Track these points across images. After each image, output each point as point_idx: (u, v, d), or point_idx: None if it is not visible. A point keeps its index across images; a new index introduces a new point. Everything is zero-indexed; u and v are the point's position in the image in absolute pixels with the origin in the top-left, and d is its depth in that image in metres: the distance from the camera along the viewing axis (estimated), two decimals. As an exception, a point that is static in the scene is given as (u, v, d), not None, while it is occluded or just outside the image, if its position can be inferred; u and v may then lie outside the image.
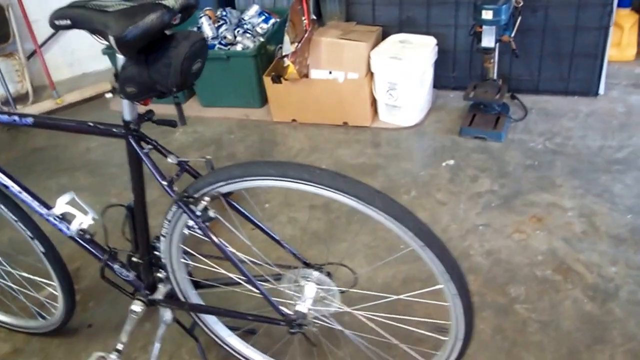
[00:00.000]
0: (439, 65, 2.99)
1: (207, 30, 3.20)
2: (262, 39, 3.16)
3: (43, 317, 1.86)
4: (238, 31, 3.23)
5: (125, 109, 1.26)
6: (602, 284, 1.88)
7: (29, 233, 1.53)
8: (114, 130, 1.31)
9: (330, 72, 2.86)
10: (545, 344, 1.72)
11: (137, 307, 1.49)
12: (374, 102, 2.95)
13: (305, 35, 2.81)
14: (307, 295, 1.32)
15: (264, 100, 3.22)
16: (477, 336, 1.73)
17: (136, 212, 1.38)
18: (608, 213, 2.17)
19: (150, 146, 1.32)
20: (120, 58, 1.16)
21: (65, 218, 1.48)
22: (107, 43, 1.10)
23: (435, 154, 2.68)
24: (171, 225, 1.32)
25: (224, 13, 3.34)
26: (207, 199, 1.22)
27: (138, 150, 1.29)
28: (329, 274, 1.37)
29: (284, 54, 2.83)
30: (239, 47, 3.14)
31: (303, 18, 2.83)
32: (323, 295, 1.35)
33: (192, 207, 1.25)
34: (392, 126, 2.93)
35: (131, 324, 1.55)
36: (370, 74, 2.84)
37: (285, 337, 1.68)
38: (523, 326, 1.78)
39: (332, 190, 1.12)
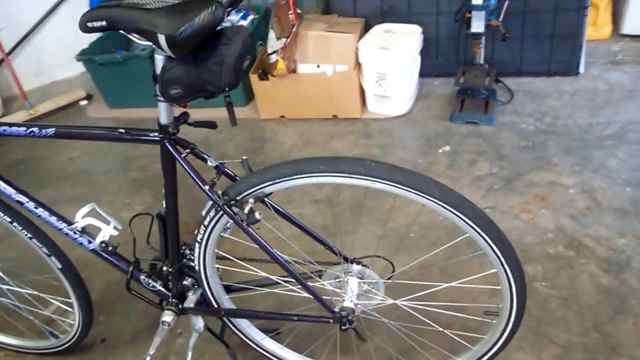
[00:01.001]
0: (422, 53, 3.00)
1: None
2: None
3: (55, 336, 1.79)
4: (217, 29, 3.16)
5: (162, 113, 1.21)
6: (613, 256, 1.94)
7: (45, 250, 1.46)
8: (150, 135, 1.25)
9: (319, 66, 2.84)
10: (568, 319, 1.75)
11: (168, 317, 1.44)
12: (362, 93, 2.94)
13: (293, 30, 2.78)
14: (352, 290, 1.31)
15: (249, 98, 3.17)
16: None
17: (168, 219, 1.33)
18: (607, 187, 2.23)
19: (187, 150, 1.27)
20: (160, 59, 1.10)
21: (86, 231, 1.42)
22: (147, 44, 1.06)
23: (429, 141, 2.70)
24: (207, 230, 1.28)
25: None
26: (251, 200, 1.18)
27: (176, 155, 1.24)
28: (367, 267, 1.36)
29: (269, 50, 2.79)
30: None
31: (289, 12, 2.79)
32: (367, 289, 1.34)
33: (234, 210, 1.21)
34: (382, 116, 2.93)
35: (162, 335, 1.50)
36: (358, 65, 2.83)
37: (320, 335, 1.68)
38: (545, 303, 1.81)
39: (388, 183, 1.10)
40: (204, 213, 1.40)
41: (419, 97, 3.05)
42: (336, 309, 1.31)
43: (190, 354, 1.52)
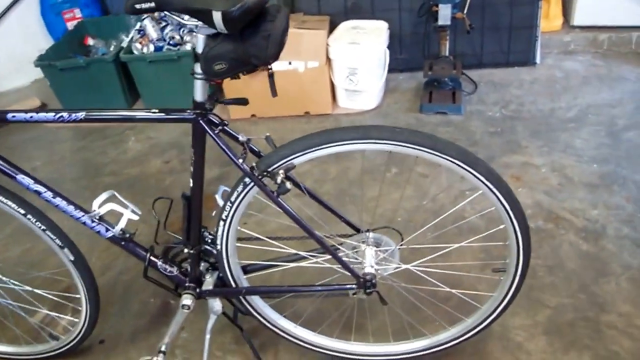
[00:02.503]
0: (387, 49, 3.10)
1: (152, 32, 3.10)
2: (209, 37, 3.11)
3: (55, 338, 1.74)
4: (183, 31, 3.15)
5: (198, 90, 1.23)
6: (589, 225, 2.06)
7: (58, 242, 1.43)
8: (185, 115, 1.26)
9: (290, 63, 2.88)
10: (557, 283, 1.85)
11: (188, 300, 1.44)
12: (332, 89, 3.00)
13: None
14: (372, 257, 1.36)
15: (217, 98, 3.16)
16: (492, 288, 1.85)
17: (194, 199, 1.34)
18: (576, 165, 2.37)
19: (219, 127, 1.28)
20: (202, 38, 1.13)
21: (103, 219, 1.41)
22: (193, 23, 1.08)
23: (402, 132, 2.78)
24: (234, 206, 1.29)
25: (163, 14, 3.25)
26: (281, 172, 1.22)
27: (209, 132, 1.25)
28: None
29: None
30: (188, 47, 3.07)
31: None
32: (383, 257, 1.39)
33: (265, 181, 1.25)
34: (354, 111, 3.00)
35: (180, 321, 1.49)
36: (328, 61, 2.89)
37: (331, 313, 1.72)
38: (533, 272, 1.91)
39: (411, 146, 1.18)
40: (218, 198, 1.42)
41: (387, 92, 3.14)
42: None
43: (208, 336, 1.51)
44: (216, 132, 1.26)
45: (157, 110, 1.28)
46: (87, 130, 3.22)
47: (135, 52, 3.10)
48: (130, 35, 3.23)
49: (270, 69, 1.18)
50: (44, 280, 1.91)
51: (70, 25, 3.62)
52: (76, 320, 1.67)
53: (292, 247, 1.46)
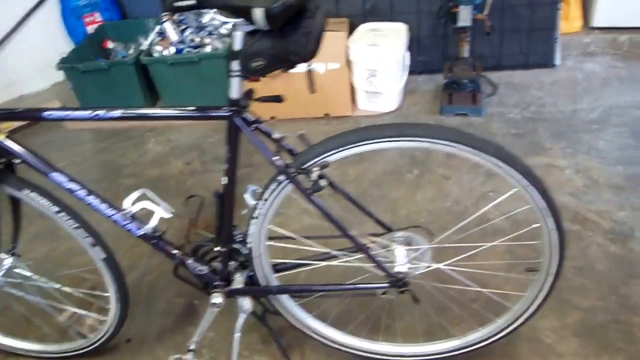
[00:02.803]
0: (405, 51, 3.10)
1: (172, 34, 3.12)
2: (229, 40, 3.13)
3: (83, 336, 1.74)
4: (202, 33, 3.17)
5: (233, 88, 1.23)
6: (617, 227, 2.04)
7: (90, 240, 1.43)
8: (220, 112, 1.26)
9: (310, 65, 2.88)
10: (586, 285, 1.84)
11: (218, 299, 1.44)
12: (352, 91, 3.00)
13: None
14: (403, 256, 1.36)
15: (237, 101, 3.18)
16: (521, 288, 1.83)
17: (226, 197, 1.34)
18: (600, 167, 2.35)
19: (254, 125, 1.28)
20: (239, 35, 1.13)
21: (135, 217, 1.41)
22: (232, 20, 1.09)
23: (423, 133, 2.77)
24: (267, 204, 1.29)
25: (182, 17, 3.27)
26: (316, 169, 1.21)
27: (244, 129, 1.25)
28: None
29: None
30: (208, 49, 3.09)
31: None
32: (415, 256, 1.38)
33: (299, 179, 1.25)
34: (373, 113, 2.99)
35: (210, 319, 1.49)
36: (348, 63, 2.89)
37: (360, 313, 1.71)
38: (562, 274, 1.89)
39: (449, 143, 1.16)
40: (247, 197, 1.41)
41: (406, 94, 3.13)
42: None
43: (238, 335, 1.51)
44: (251, 129, 1.26)
45: (193, 108, 1.28)
46: (108, 133, 3.24)
47: (156, 54, 3.12)
48: (150, 38, 3.25)
49: (310, 65, 1.18)
50: (71, 278, 1.91)
51: (91, 28, 3.65)
52: (104, 318, 1.67)
53: (318, 246, 1.45)
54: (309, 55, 1.14)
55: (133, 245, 2.00)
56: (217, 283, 1.47)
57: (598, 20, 3.22)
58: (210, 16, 3.27)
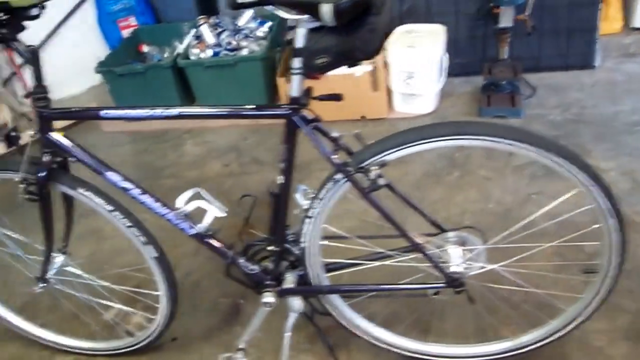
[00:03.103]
0: (442, 53, 3.08)
1: (209, 37, 3.15)
2: (265, 42, 3.15)
3: (131, 334, 1.76)
4: (238, 37, 3.20)
5: (294, 86, 1.24)
6: (666, 230, 2.00)
7: (143, 239, 1.45)
8: (280, 110, 1.26)
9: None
10: (634, 288, 1.80)
11: (270, 298, 1.45)
12: (388, 93, 2.99)
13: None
14: (459, 256, 1.35)
15: (273, 101, 3.19)
16: (573, 290, 1.81)
17: (282, 196, 1.34)
18: (646, 169, 2.31)
19: (313, 123, 1.29)
20: (303, 32, 1.13)
21: (188, 216, 1.42)
22: (294, 17, 1.10)
23: (461, 135, 2.75)
24: (323, 203, 1.30)
25: (218, 20, 3.30)
26: (374, 167, 1.21)
27: (303, 127, 1.26)
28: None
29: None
30: (244, 52, 3.11)
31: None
32: (470, 256, 1.37)
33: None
34: (410, 115, 2.98)
35: (261, 318, 1.50)
36: (384, 65, 2.88)
37: (409, 314, 1.70)
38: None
39: (506, 141, 1.16)
40: (298, 197, 1.41)
41: (443, 96, 3.11)
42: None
43: (289, 334, 1.51)
44: (310, 127, 1.27)
45: (253, 106, 1.29)
46: (144, 135, 3.28)
47: (193, 57, 3.16)
48: (186, 42, 3.28)
49: (374, 62, 1.18)
50: (117, 277, 1.93)
51: (126, 33, 3.71)
52: (153, 316, 1.69)
53: (371, 245, 1.45)
54: (374, 52, 1.14)
55: (176, 245, 2.01)
56: (268, 282, 1.47)
57: (639, 20, 3.17)
58: (246, 19, 3.31)
